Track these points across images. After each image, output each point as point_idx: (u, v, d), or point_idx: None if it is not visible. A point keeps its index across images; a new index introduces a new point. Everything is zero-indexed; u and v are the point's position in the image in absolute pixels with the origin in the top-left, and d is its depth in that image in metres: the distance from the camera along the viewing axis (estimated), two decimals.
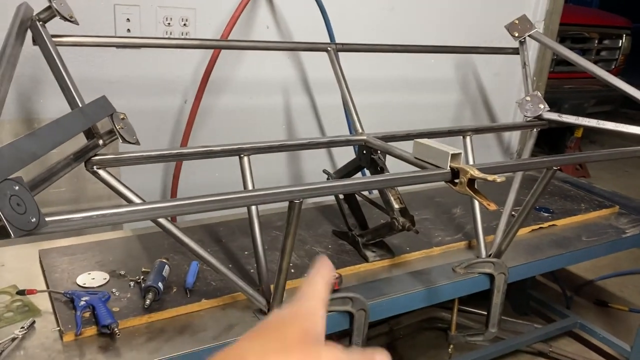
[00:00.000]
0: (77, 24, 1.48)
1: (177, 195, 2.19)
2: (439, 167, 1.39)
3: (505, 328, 2.68)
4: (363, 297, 1.50)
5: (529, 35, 2.22)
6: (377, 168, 1.70)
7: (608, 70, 2.54)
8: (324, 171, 1.89)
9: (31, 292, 1.46)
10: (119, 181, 1.35)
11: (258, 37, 2.22)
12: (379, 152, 1.70)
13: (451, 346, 2.14)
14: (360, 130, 1.82)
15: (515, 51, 2.31)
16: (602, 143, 6.31)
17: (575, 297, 3.24)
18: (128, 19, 1.95)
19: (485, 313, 1.81)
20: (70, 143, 1.24)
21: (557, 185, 2.63)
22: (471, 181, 1.32)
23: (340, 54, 1.95)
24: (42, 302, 1.45)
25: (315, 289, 0.54)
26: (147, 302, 1.41)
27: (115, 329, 1.31)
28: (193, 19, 2.07)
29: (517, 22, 2.24)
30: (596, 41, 5.56)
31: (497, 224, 1.94)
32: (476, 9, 2.74)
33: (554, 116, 2.11)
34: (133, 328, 1.37)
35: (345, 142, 1.84)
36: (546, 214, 2.25)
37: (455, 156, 1.37)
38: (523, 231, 2.06)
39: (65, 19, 1.43)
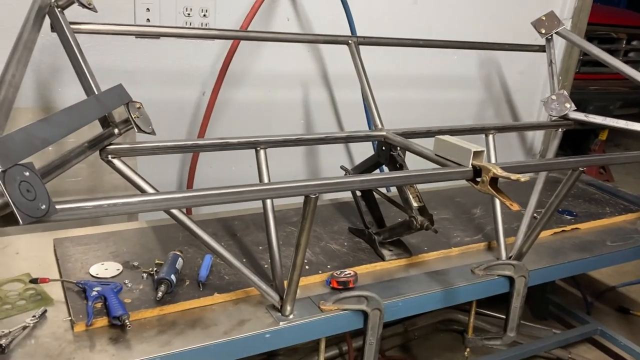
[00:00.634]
0: (96, 11, 1.46)
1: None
2: (460, 164, 1.35)
3: (523, 332, 2.62)
4: (378, 296, 1.46)
5: (556, 33, 2.16)
6: (396, 165, 1.66)
7: None
8: (342, 167, 1.86)
9: (44, 280, 1.45)
10: (133, 171, 1.34)
11: (278, 29, 2.19)
12: (398, 148, 1.67)
13: (467, 349, 2.09)
14: (379, 126, 1.79)
15: (541, 49, 2.25)
16: (627, 146, 6.17)
17: (596, 303, 3.16)
18: (148, 9, 1.93)
19: (503, 316, 1.77)
20: (86, 132, 1.23)
21: (581, 188, 2.56)
22: (493, 180, 1.27)
23: (361, 47, 1.91)
24: (55, 290, 1.44)
25: None
26: (160, 294, 1.40)
27: (127, 321, 1.29)
28: (213, 10, 2.05)
29: (544, 18, 2.18)
30: (624, 42, 5.43)
31: (517, 225, 1.89)
32: (502, 4, 2.68)
33: (580, 116, 2.05)
34: (144, 320, 1.36)
35: (365, 138, 1.80)
36: (569, 217, 2.18)
37: (477, 154, 1.32)
38: (545, 234, 2.00)
39: (83, 5, 1.42)
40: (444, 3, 2.52)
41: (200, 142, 1.77)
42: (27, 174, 0.84)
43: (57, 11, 1.38)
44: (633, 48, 5.54)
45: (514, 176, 1.22)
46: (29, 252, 1.65)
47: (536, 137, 3.06)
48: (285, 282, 1.41)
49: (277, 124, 2.31)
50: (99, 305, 1.36)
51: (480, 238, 1.94)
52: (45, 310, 1.35)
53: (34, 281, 1.45)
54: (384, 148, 1.71)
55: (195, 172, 2.15)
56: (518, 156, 3.04)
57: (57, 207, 0.87)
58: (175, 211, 1.33)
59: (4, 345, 1.19)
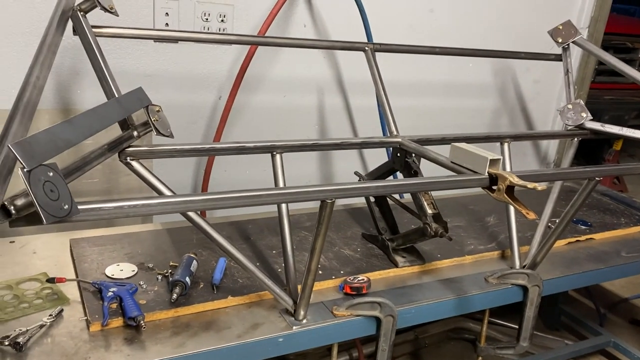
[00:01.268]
0: (117, 15, 1.49)
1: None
2: (476, 172, 1.34)
3: (535, 343, 2.60)
4: (391, 302, 1.46)
5: (573, 42, 2.15)
6: (411, 171, 1.66)
7: None
8: (356, 173, 1.86)
9: (60, 280, 1.47)
10: (151, 173, 1.35)
11: (295, 35, 2.20)
12: (413, 155, 1.67)
13: (479, 358, 2.08)
14: (395, 132, 1.79)
15: (557, 58, 2.24)
16: None
17: (608, 314, 3.12)
18: (167, 13, 1.96)
19: (515, 326, 1.76)
20: (102, 134, 1.24)
21: (596, 198, 2.54)
22: (510, 188, 1.27)
23: (377, 54, 1.92)
24: (71, 290, 1.46)
25: None
26: (174, 296, 1.41)
27: (142, 322, 1.30)
28: (231, 16, 2.07)
29: (561, 27, 2.17)
30: None
31: (532, 234, 1.88)
32: (517, 13, 2.68)
33: (596, 126, 2.04)
34: (159, 322, 1.37)
35: (380, 144, 1.80)
36: (584, 227, 2.17)
37: (494, 162, 1.32)
38: (559, 243, 1.99)
39: (105, 9, 1.44)
40: (460, 11, 2.52)
41: (217, 145, 1.79)
42: (51, 174, 0.85)
43: (79, 15, 1.41)
44: None
45: (530, 185, 1.22)
46: (46, 251, 1.67)
47: (551, 146, 3.05)
48: (299, 287, 1.41)
49: (291, 128, 2.32)
50: (114, 305, 1.37)
51: (494, 246, 1.93)
52: (62, 310, 1.36)
53: (51, 280, 1.47)
54: (399, 154, 1.71)
55: (210, 176, 2.16)
56: (532, 165, 3.03)
57: (80, 207, 0.89)
58: (191, 213, 1.34)
59: (21, 343, 1.21)
